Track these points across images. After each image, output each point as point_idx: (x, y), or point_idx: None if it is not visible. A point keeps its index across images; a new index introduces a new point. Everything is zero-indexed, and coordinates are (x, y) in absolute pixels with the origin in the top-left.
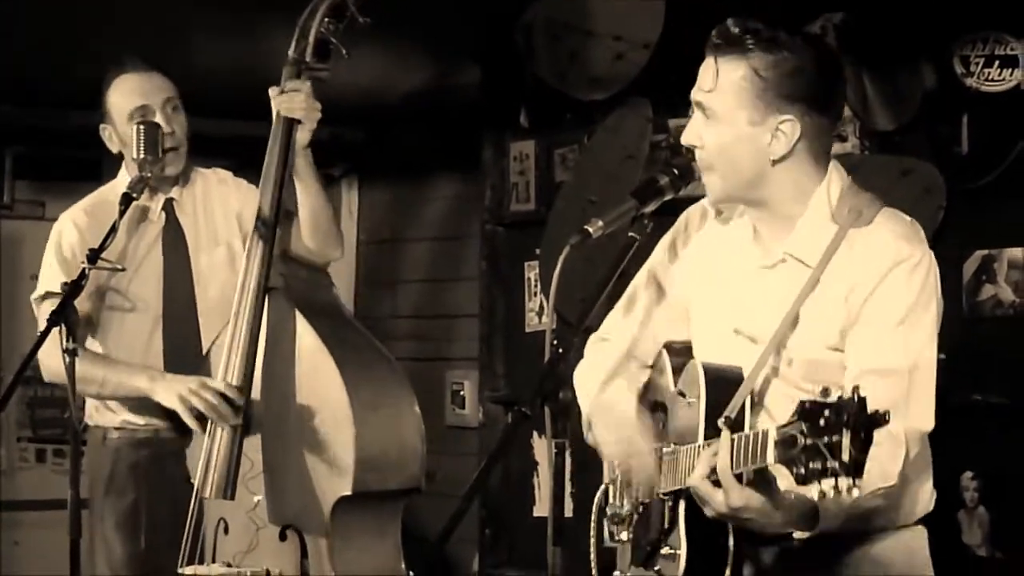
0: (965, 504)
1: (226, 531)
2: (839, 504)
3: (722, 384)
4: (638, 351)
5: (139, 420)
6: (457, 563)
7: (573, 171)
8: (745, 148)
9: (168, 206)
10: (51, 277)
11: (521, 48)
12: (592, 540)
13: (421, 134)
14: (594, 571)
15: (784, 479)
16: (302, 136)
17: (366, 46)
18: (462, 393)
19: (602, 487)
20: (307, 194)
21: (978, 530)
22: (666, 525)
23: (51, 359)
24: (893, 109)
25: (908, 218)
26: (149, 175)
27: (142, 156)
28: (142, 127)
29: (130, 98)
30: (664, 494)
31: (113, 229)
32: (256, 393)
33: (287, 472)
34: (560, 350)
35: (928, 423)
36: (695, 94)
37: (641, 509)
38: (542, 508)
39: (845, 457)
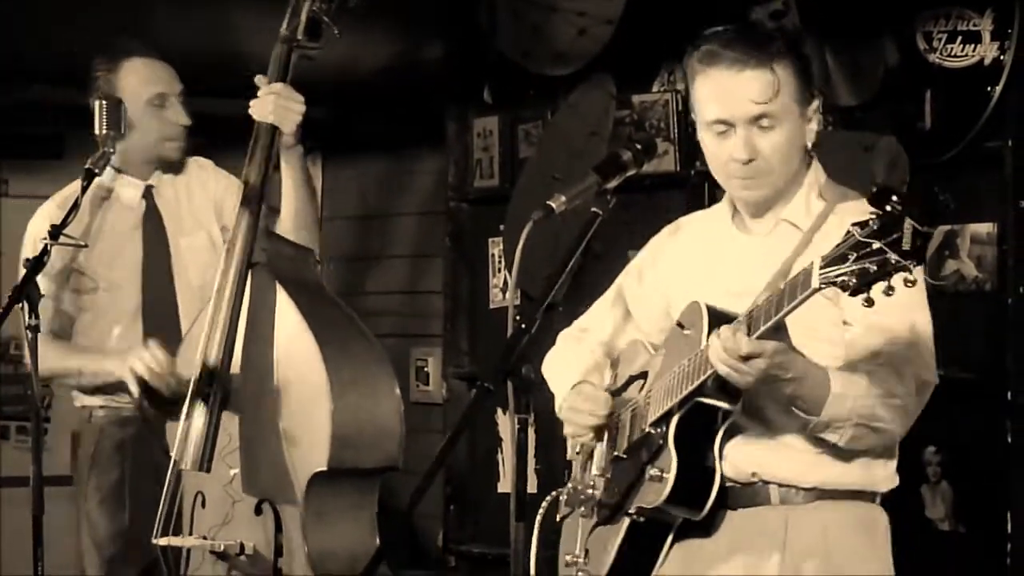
0: (928, 479)
1: (203, 504)
2: (852, 377)
3: (722, 318)
4: (607, 338)
5: (123, 398)
6: (422, 539)
7: (537, 147)
8: (798, 141)
9: (148, 193)
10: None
11: (484, 24)
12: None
13: (385, 111)
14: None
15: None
16: (285, 137)
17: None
18: (426, 369)
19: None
20: (291, 192)
21: (941, 505)
22: (653, 452)
23: (44, 362)
24: (856, 85)
25: None
26: (112, 150)
27: (104, 131)
28: (104, 103)
29: (149, 85)
30: (652, 424)
31: (75, 205)
32: (236, 367)
33: (263, 446)
34: (523, 326)
35: (932, 376)
36: (744, 109)
37: (614, 465)
38: (507, 484)
39: (907, 246)
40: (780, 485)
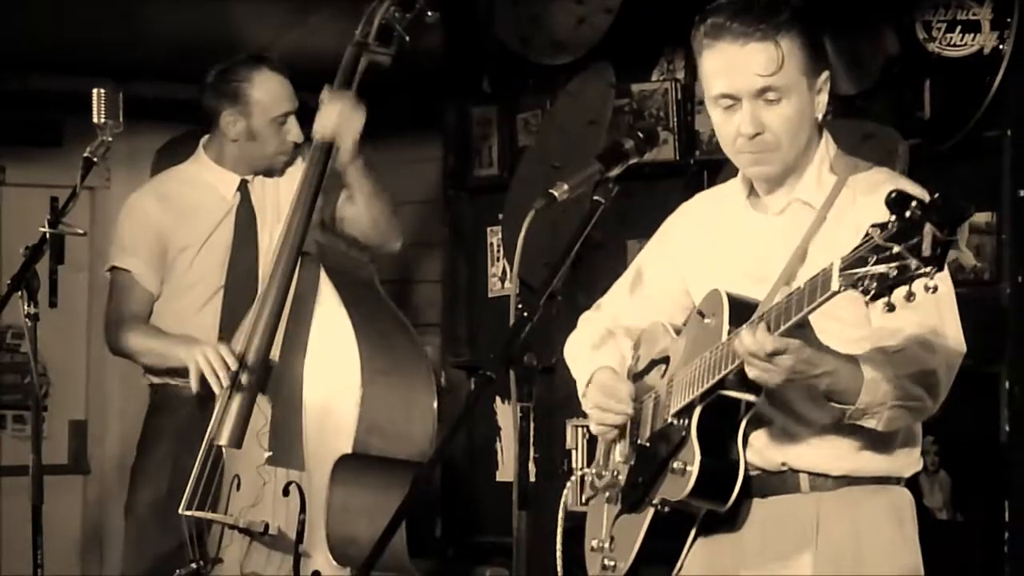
0: (926, 468)
1: (238, 487)
2: (881, 359)
3: (742, 307)
4: (627, 320)
5: (183, 378)
6: (420, 528)
7: (536, 136)
8: (807, 114)
9: (243, 186)
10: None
11: (483, 13)
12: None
13: (383, 100)
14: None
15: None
16: (343, 151)
17: (327, 11)
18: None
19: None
20: (361, 200)
21: (939, 494)
22: (676, 444)
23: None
24: (856, 73)
25: None
26: (110, 138)
27: (103, 120)
28: (103, 91)
29: (279, 103)
30: (674, 415)
31: (74, 194)
32: (276, 351)
33: (294, 428)
34: (525, 314)
35: (961, 344)
36: (749, 83)
37: (637, 453)
38: (505, 473)
39: (927, 251)
40: (810, 473)
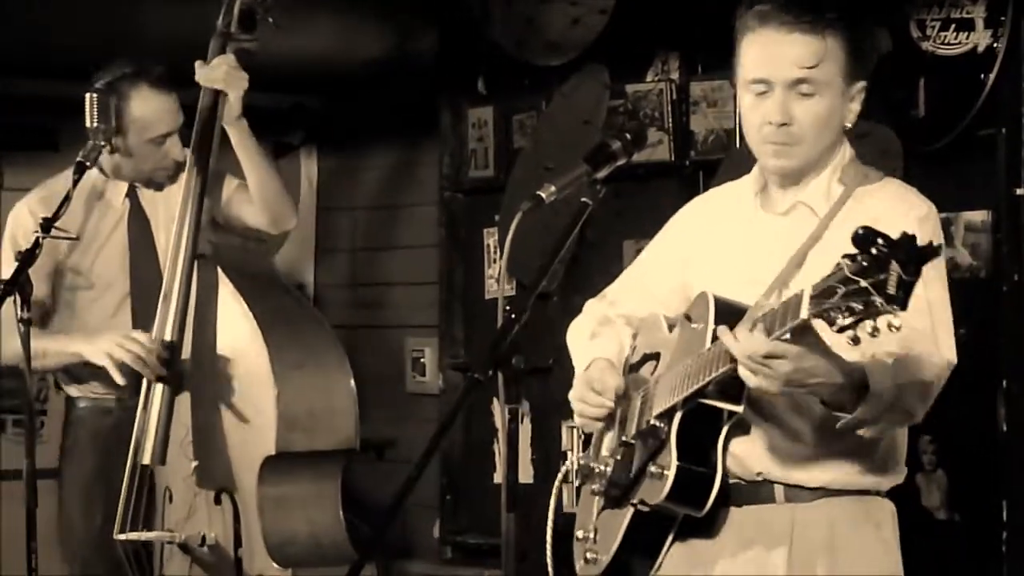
0: (923, 467)
1: (170, 499)
2: (885, 369)
3: (730, 312)
4: (628, 309)
5: (103, 388)
6: (418, 529)
7: (531, 137)
8: (836, 116)
9: (131, 191)
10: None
11: (477, 14)
12: (551, 507)
13: (379, 101)
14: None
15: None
16: (230, 107)
17: (323, 14)
18: (422, 360)
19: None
20: (249, 167)
21: (937, 493)
22: (655, 447)
23: (6, 343)
24: None
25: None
26: (103, 143)
27: (95, 124)
28: (95, 96)
29: (157, 124)
30: (656, 416)
31: (67, 198)
32: (187, 358)
33: (216, 435)
34: (513, 316)
35: (952, 354)
36: (786, 71)
37: (622, 450)
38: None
39: (892, 290)
40: (786, 485)
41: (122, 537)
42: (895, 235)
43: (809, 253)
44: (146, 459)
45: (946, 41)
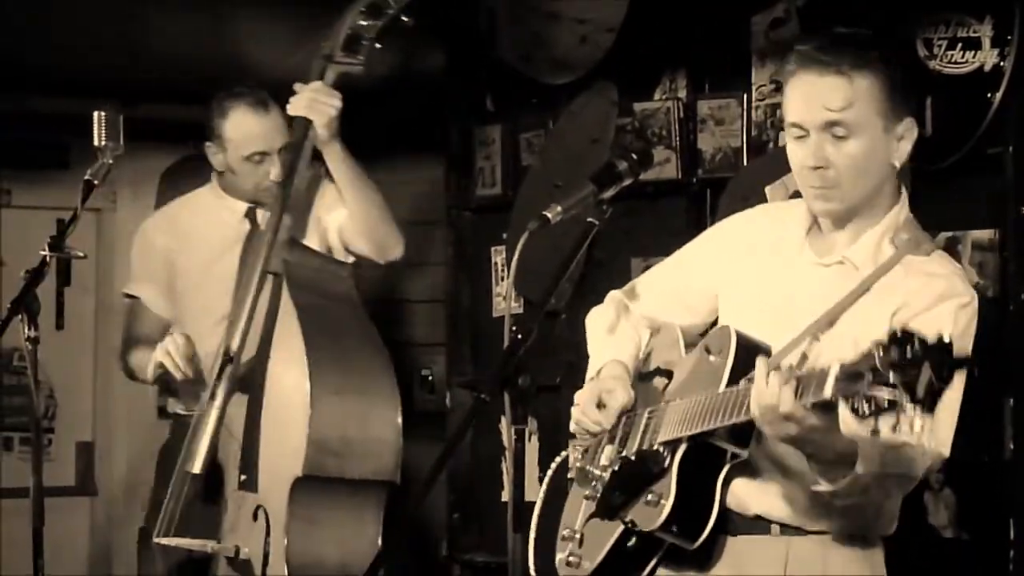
0: (931, 486)
1: (226, 511)
2: (877, 447)
3: (751, 350)
4: (651, 308)
5: (189, 404)
6: (426, 548)
7: (539, 155)
8: (878, 157)
9: (251, 213)
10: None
11: (485, 32)
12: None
13: (387, 119)
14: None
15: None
16: (320, 132)
17: (329, 32)
18: (430, 378)
19: (561, 455)
20: (347, 193)
21: (944, 512)
22: (655, 473)
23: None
24: None
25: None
26: (111, 161)
27: (104, 143)
28: (103, 115)
29: (249, 143)
30: (662, 442)
31: (75, 216)
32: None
33: (259, 452)
34: (519, 336)
35: (947, 449)
36: (817, 115)
37: (620, 464)
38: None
39: (921, 393)
40: (782, 525)
41: (163, 542)
42: (932, 337)
43: (844, 314)
44: (194, 468)
45: (953, 60)
